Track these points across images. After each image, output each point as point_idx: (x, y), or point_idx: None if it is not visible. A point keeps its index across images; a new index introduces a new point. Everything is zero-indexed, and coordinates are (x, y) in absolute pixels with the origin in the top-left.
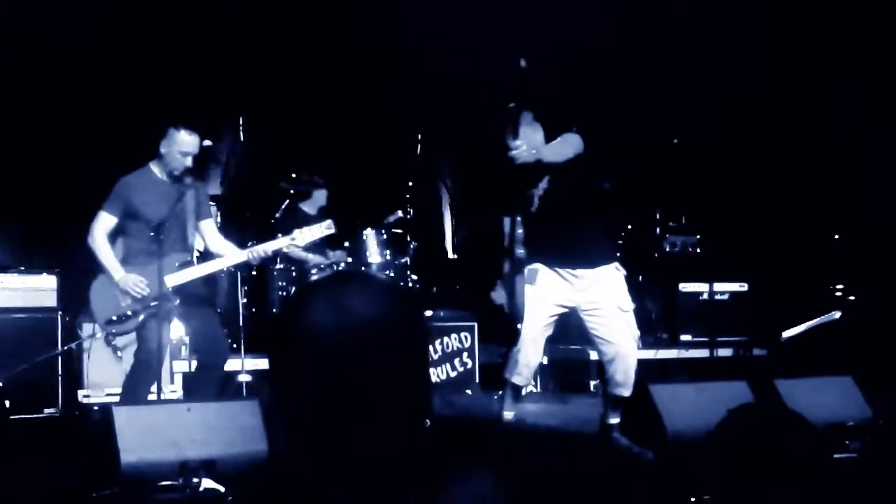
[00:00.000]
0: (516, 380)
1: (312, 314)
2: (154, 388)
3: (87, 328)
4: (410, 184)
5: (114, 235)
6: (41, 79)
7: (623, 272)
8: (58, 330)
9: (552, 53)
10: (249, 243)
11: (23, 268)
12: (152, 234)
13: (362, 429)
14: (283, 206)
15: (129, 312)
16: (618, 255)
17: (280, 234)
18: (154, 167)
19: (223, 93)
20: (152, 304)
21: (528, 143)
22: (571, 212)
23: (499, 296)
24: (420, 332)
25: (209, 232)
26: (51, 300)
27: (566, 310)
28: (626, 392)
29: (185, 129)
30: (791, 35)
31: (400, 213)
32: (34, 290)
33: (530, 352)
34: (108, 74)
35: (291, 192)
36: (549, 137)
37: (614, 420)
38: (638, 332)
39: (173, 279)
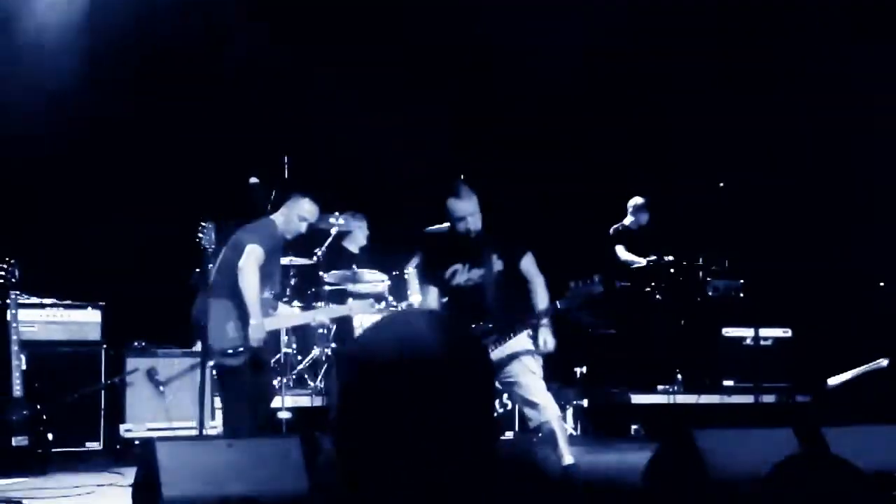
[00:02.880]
0: None
1: (383, 349)
2: (196, 423)
3: (130, 363)
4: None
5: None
6: (90, 120)
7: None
8: (101, 363)
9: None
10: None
11: (68, 302)
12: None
13: (432, 459)
14: (327, 243)
15: (240, 349)
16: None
17: (323, 271)
18: (278, 221)
19: (268, 130)
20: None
21: (467, 212)
22: (496, 288)
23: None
24: (486, 367)
25: None
26: (95, 334)
27: None
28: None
29: (309, 198)
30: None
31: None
32: (78, 323)
33: None
34: (149, 113)
35: (334, 229)
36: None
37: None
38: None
39: (270, 323)
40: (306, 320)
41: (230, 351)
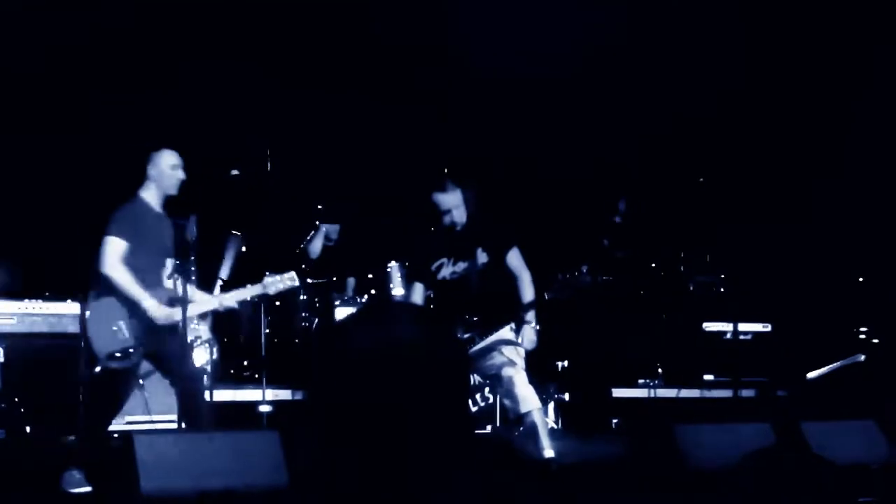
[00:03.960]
0: None
1: (358, 339)
2: (175, 416)
3: None
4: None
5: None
6: (68, 104)
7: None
8: (80, 356)
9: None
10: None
11: (46, 294)
12: (147, 264)
13: (403, 447)
14: (310, 236)
15: (130, 349)
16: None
17: (305, 262)
18: (147, 197)
19: (251, 123)
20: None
21: (452, 205)
22: (481, 281)
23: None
24: (462, 362)
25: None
26: (74, 326)
27: None
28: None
29: (165, 148)
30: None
31: None
32: (58, 315)
33: None
34: (132, 101)
35: (317, 222)
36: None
37: None
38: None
39: (172, 315)
40: (210, 306)
41: (118, 354)
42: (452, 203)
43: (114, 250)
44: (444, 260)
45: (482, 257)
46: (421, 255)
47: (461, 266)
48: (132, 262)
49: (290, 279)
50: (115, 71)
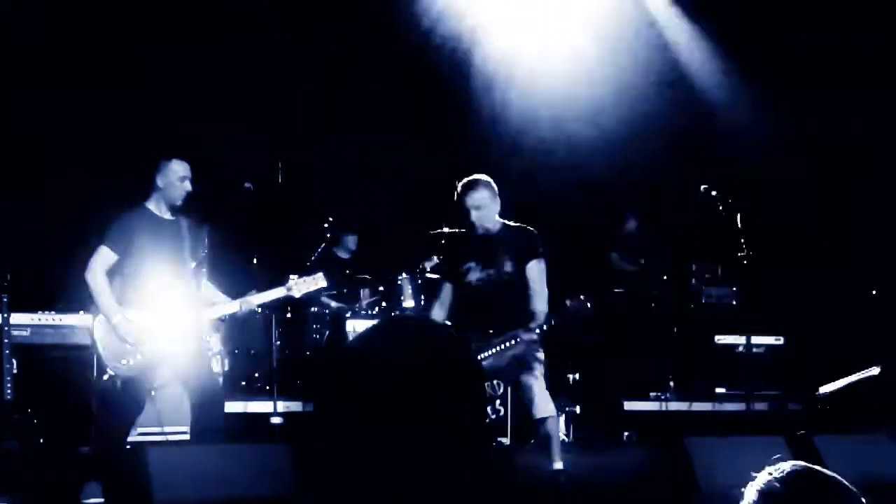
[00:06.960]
0: None
1: (372, 355)
2: (187, 428)
3: None
4: (447, 230)
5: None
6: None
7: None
8: (93, 368)
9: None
10: (252, 291)
11: (59, 306)
12: (151, 274)
13: (418, 466)
14: (319, 250)
15: (138, 356)
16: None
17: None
18: (152, 206)
19: (263, 136)
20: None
21: (481, 204)
22: (505, 290)
23: None
24: (476, 377)
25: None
26: (86, 338)
27: None
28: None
29: (175, 158)
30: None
31: (436, 259)
32: (71, 327)
33: None
34: (142, 117)
35: (328, 235)
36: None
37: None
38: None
39: (139, 335)
40: (232, 310)
41: (124, 361)
42: (481, 202)
43: (99, 260)
44: (473, 264)
45: (508, 266)
46: (452, 256)
47: (487, 273)
48: (128, 273)
49: (316, 280)
50: (124, 79)
